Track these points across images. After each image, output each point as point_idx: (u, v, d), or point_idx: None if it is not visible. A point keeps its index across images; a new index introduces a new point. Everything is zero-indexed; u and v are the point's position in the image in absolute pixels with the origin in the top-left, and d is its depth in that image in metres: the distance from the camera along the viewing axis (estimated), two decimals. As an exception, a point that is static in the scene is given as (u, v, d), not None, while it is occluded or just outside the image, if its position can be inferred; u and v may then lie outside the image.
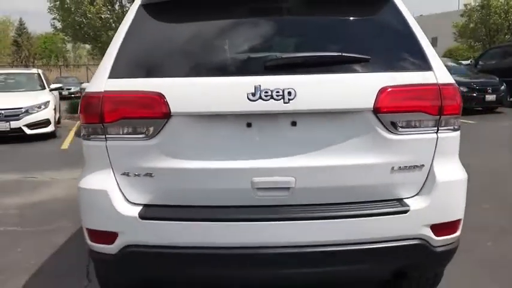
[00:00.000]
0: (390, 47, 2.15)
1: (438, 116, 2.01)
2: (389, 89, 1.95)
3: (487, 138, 8.88)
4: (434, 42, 46.75)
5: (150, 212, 2.00)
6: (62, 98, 12.65)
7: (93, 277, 3.03)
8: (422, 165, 2.03)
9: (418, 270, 2.24)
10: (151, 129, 1.97)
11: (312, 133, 1.98)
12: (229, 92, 1.95)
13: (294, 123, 1.97)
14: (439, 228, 2.03)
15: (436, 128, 2.03)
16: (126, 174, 2.03)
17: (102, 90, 2.03)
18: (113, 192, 2.02)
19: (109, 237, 2.03)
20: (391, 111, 1.96)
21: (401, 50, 2.13)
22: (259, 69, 1.98)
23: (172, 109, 1.94)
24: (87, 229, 2.13)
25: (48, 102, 9.84)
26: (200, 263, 2.00)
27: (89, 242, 2.15)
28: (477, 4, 22.98)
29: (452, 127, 2.08)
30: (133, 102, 2.00)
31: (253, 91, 1.91)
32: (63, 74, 33.30)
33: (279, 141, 1.99)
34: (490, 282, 2.99)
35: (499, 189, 5.11)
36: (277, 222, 1.95)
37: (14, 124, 9.13)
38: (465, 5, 24.37)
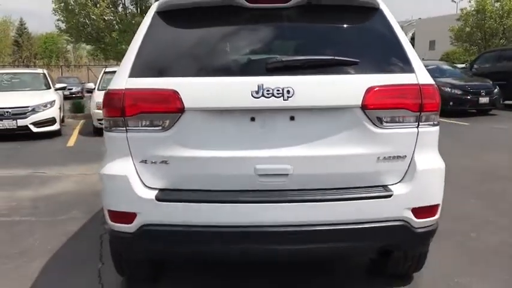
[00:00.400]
0: (377, 51, 2.43)
1: (419, 113, 2.29)
2: (376, 89, 2.23)
3: (478, 139, 9.17)
4: (432, 45, 47.05)
5: (165, 195, 2.27)
6: (63, 97, 12.88)
7: (106, 260, 3.33)
8: (405, 156, 2.31)
9: (401, 249, 2.51)
10: (167, 122, 2.25)
11: (308, 127, 2.26)
12: (236, 90, 2.23)
13: (292, 118, 2.25)
14: (419, 212, 2.31)
15: (417, 123, 2.30)
16: (144, 161, 2.30)
17: (124, 87, 2.30)
18: (132, 177, 2.29)
19: (128, 217, 2.30)
20: (377, 108, 2.24)
21: (387, 54, 2.41)
22: (262, 70, 2.26)
23: (186, 104, 2.21)
24: (108, 210, 2.39)
25: (54, 101, 10.09)
26: (209, 239, 2.27)
27: (109, 222, 2.42)
28: (473, 9, 23.28)
29: (431, 122, 2.36)
30: (151, 99, 2.27)
31: (257, 89, 2.18)
32: (64, 74, 33.52)
33: (279, 134, 2.26)
34: (468, 266, 3.26)
35: (486, 187, 5.39)
36: (277, 204, 2.23)
37: (21, 122, 9.36)
38: (461, 10, 24.69)
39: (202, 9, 2.48)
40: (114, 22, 16.40)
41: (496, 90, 12.48)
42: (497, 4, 22.77)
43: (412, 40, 58.94)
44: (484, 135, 9.57)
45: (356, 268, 3.31)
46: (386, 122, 2.26)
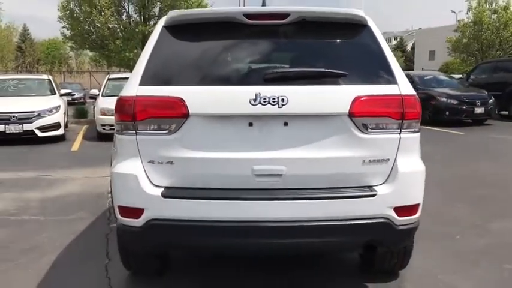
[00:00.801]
0: (364, 64, 2.68)
1: (401, 120, 2.53)
2: (362, 98, 2.47)
3: (471, 148, 9.41)
4: (432, 55, 47.36)
5: (170, 192, 2.49)
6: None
7: (112, 256, 3.56)
8: (388, 159, 2.54)
9: (384, 245, 2.74)
10: (173, 126, 2.48)
11: (300, 132, 2.50)
12: (235, 97, 2.47)
13: (286, 124, 2.49)
14: (401, 210, 2.53)
15: (399, 130, 2.54)
16: (152, 162, 2.53)
17: (135, 95, 2.54)
18: (141, 176, 2.52)
19: (137, 212, 2.52)
20: (362, 116, 2.48)
21: (373, 67, 2.65)
22: (259, 80, 2.51)
23: (191, 110, 2.45)
24: (118, 206, 2.60)
25: (59, 106, 10.35)
26: (209, 233, 2.50)
27: (119, 217, 2.64)
28: (470, 20, 23.62)
29: (412, 129, 2.59)
30: (159, 105, 2.51)
31: (254, 98, 2.42)
32: (66, 80, 33.85)
33: (274, 138, 2.49)
34: (451, 265, 3.48)
35: (475, 192, 5.61)
36: (272, 201, 2.45)
37: (27, 127, 9.62)
38: (458, 21, 25.03)
39: (206, 24, 2.74)
40: (118, 30, 16.74)
41: (491, 100, 12.74)
42: (494, 16, 23.10)
43: (413, 50, 59.49)
44: (477, 144, 9.81)
45: (348, 265, 3.54)
46: (371, 128, 2.50)
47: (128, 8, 17.44)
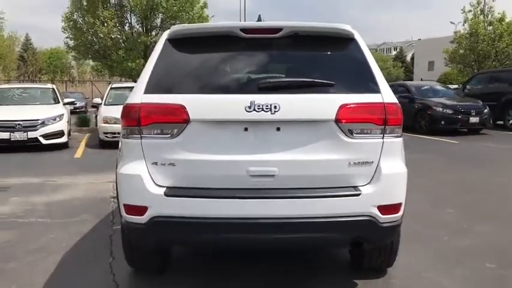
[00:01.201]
0: (350, 74, 2.92)
1: (383, 126, 2.75)
2: (347, 106, 2.70)
3: (465, 156, 9.63)
4: (431, 66, 47.77)
5: (172, 192, 2.71)
6: (68, 112, 13.48)
7: (116, 255, 3.77)
8: (372, 162, 2.76)
9: (370, 242, 2.95)
10: (175, 131, 2.71)
11: (291, 136, 2.72)
12: (232, 105, 2.70)
13: (278, 129, 2.71)
14: (384, 209, 2.74)
15: (382, 135, 2.76)
16: (155, 163, 2.74)
17: (140, 102, 2.77)
18: (145, 176, 2.73)
19: (141, 210, 2.73)
20: (348, 122, 2.70)
21: (359, 77, 2.89)
22: (254, 89, 2.75)
23: (191, 116, 2.68)
24: (124, 204, 2.82)
25: (63, 115, 10.61)
26: (208, 229, 2.71)
27: (124, 214, 2.85)
28: (466, 32, 23.98)
29: (395, 134, 2.81)
30: (163, 111, 2.74)
31: (249, 105, 2.65)
32: (68, 89, 34.18)
33: (267, 142, 2.72)
34: (436, 264, 3.69)
35: (465, 198, 5.83)
36: (266, 200, 2.67)
37: (31, 134, 9.87)
38: (455, 32, 25.41)
39: (205, 38, 3.00)
40: (121, 40, 17.07)
41: (486, 110, 12.99)
42: (489, 28, 23.47)
43: (412, 60, 59.98)
44: (471, 153, 10.03)
45: (339, 264, 3.74)
46: (356, 133, 2.72)
47: (131, 19, 17.85)
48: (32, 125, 9.94)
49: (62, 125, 10.42)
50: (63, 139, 10.41)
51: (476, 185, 6.61)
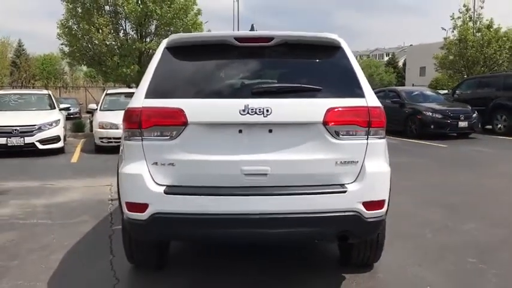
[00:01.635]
0: (337, 80, 3.13)
1: (367, 128, 2.96)
2: (334, 109, 2.91)
3: (453, 159, 9.88)
4: (423, 71, 48.27)
5: (171, 190, 2.89)
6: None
7: (116, 253, 3.95)
8: (357, 161, 2.96)
9: (356, 236, 3.14)
10: (174, 133, 2.90)
11: (282, 137, 2.92)
12: (227, 108, 2.90)
13: (270, 131, 2.91)
14: (369, 205, 2.94)
15: (366, 136, 2.97)
16: (155, 163, 2.93)
17: (141, 106, 2.97)
18: (146, 176, 2.91)
19: (142, 207, 2.90)
20: (335, 124, 2.91)
21: (345, 83, 3.10)
22: (248, 93, 2.95)
23: (189, 119, 2.88)
24: (126, 202, 2.99)
25: (59, 120, 10.76)
26: (205, 224, 2.90)
27: (126, 211, 3.02)
28: (455, 38, 24.41)
29: (378, 136, 3.02)
30: (162, 115, 2.93)
31: (244, 108, 2.85)
32: (62, 95, 34.14)
33: (260, 143, 2.92)
34: (419, 259, 3.90)
35: (451, 199, 6.04)
36: (259, 197, 2.86)
37: (28, 139, 10.02)
38: (444, 39, 25.84)
39: (202, 46, 3.22)
40: (116, 47, 17.22)
41: (474, 115, 13.28)
42: (478, 34, 23.91)
43: (404, 66, 60.58)
44: (459, 157, 10.29)
45: (329, 259, 3.95)
46: (342, 134, 2.93)
47: (125, 26, 17.98)
48: (28, 131, 10.08)
49: (58, 131, 10.57)
50: (60, 144, 10.56)
51: (464, 187, 6.83)
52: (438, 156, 10.25)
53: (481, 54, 23.20)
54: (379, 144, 3.04)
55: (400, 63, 65.63)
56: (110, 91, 13.40)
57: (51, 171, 8.44)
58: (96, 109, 12.10)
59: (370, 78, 52.46)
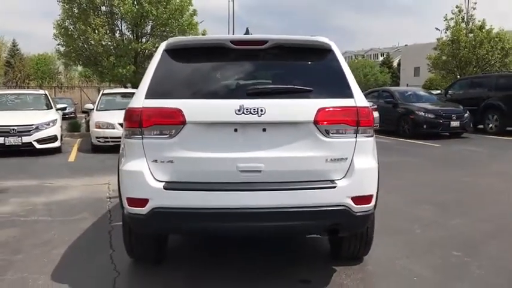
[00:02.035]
0: (327, 81, 3.30)
1: (356, 127, 3.13)
2: (325, 109, 3.08)
3: (445, 159, 10.08)
4: (417, 71, 48.59)
5: (170, 186, 3.04)
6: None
7: (116, 248, 4.09)
8: (346, 158, 3.13)
9: (345, 229, 3.31)
10: (173, 131, 3.05)
11: (275, 136, 3.08)
12: (223, 108, 3.05)
13: (264, 130, 3.07)
14: (357, 199, 3.10)
15: (355, 135, 3.13)
16: (155, 161, 3.08)
17: (141, 106, 3.12)
18: (146, 172, 3.06)
19: (142, 202, 3.05)
20: (325, 123, 3.07)
21: (335, 84, 3.27)
22: (243, 94, 3.11)
23: (187, 119, 3.03)
24: (127, 198, 3.13)
25: (56, 120, 10.85)
26: (203, 218, 3.06)
27: (127, 206, 3.16)
28: (448, 39, 24.70)
29: (367, 134, 3.19)
30: (162, 114, 3.08)
31: (239, 108, 3.01)
32: (57, 95, 34.12)
33: (254, 141, 3.07)
34: (408, 252, 4.07)
35: (442, 196, 6.22)
36: (254, 192, 3.02)
37: (26, 139, 10.11)
38: (437, 39, 26.14)
39: (199, 49, 3.38)
40: (112, 47, 17.34)
41: (466, 114, 13.51)
42: (470, 35, 24.21)
43: (399, 66, 60.95)
44: (451, 156, 10.50)
45: (320, 253, 4.11)
46: (332, 133, 3.10)
47: (121, 26, 18.13)
48: (26, 130, 10.17)
49: (55, 130, 10.67)
50: (57, 144, 10.65)
51: (455, 186, 6.99)
52: (431, 156, 10.44)
53: (473, 54, 23.51)
54: (367, 142, 3.20)
55: (395, 64, 66.00)
56: (106, 91, 13.50)
57: (49, 170, 8.55)
58: (93, 109, 12.21)
59: (364, 78, 52.98)
